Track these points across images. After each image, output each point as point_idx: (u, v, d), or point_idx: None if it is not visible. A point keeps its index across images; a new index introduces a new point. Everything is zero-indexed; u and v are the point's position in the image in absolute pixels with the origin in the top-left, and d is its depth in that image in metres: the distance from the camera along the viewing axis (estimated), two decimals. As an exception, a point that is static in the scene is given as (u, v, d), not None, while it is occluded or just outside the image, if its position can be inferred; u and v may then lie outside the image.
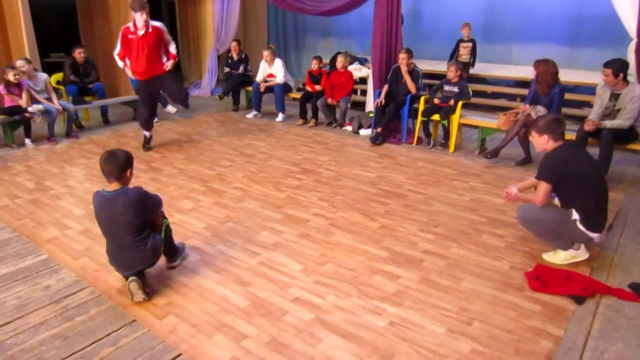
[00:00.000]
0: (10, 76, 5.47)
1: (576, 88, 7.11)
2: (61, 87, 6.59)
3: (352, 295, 2.70)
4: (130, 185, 2.72)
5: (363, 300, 2.66)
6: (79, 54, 6.58)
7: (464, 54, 7.55)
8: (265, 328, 2.43)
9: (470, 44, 7.50)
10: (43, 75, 6.00)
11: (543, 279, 2.79)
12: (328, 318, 2.51)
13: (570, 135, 4.48)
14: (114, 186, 2.63)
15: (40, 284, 2.85)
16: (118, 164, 2.59)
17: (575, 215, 2.91)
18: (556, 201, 3.08)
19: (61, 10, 9.63)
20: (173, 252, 3.00)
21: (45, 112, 5.75)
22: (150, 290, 2.71)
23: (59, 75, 6.71)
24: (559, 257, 3.05)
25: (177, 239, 3.35)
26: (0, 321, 2.51)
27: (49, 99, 5.91)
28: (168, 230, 2.90)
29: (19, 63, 5.76)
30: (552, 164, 2.90)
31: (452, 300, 2.66)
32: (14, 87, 5.57)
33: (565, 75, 6.61)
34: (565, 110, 5.60)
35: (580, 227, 2.90)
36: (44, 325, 2.48)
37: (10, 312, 2.58)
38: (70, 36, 8.87)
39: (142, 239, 2.67)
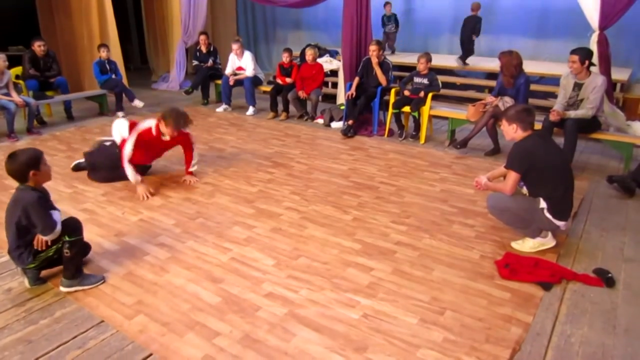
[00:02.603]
0: None
1: (542, 79, 7.30)
2: (21, 82, 6.32)
3: (326, 289, 2.69)
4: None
5: (336, 293, 2.65)
6: (38, 47, 6.31)
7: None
8: (237, 324, 2.39)
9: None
10: (8, 72, 5.76)
11: (512, 266, 2.85)
12: (301, 312, 2.49)
13: (537, 126, 4.58)
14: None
15: (1, 287, 2.73)
16: (16, 167, 2.52)
17: (542, 204, 2.98)
18: (524, 190, 3.15)
19: (19, 2, 9.20)
20: (68, 276, 2.67)
21: (3, 108, 5.50)
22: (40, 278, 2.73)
23: (18, 70, 6.42)
24: (527, 245, 3.11)
25: (146, 236, 3.29)
26: (-42, 327, 2.39)
27: (8, 95, 5.66)
28: (62, 253, 2.63)
29: (2, 57, 5.53)
30: (521, 153, 2.96)
31: (425, 291, 2.68)
32: None
33: (531, 67, 6.78)
34: (531, 101, 5.73)
35: (548, 215, 2.97)
36: (6, 330, 2.37)
37: (-30, 318, 2.46)
38: (29, 29, 8.50)
39: (15, 244, 2.61)
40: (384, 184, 4.31)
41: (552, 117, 4.50)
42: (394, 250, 3.13)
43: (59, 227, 2.57)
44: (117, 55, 7.64)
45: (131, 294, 2.66)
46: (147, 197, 3.95)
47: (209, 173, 4.56)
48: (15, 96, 5.68)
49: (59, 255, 2.66)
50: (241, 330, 2.35)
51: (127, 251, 3.11)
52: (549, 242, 3.12)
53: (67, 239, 2.61)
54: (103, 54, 6.76)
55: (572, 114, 4.47)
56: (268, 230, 3.40)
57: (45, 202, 2.60)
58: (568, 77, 4.58)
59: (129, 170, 3.93)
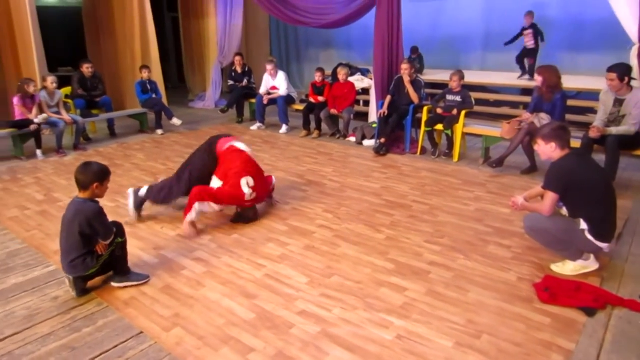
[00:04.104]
0: (31, 88, 5.59)
1: (579, 94, 7.11)
2: (69, 101, 6.68)
3: (359, 308, 2.69)
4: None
5: (369, 313, 2.64)
6: (86, 68, 6.68)
7: (528, 40, 7.58)
8: (271, 341, 2.42)
9: (531, 30, 7.50)
10: (59, 92, 6.14)
11: (552, 290, 2.76)
12: (334, 331, 2.49)
13: (575, 143, 4.46)
14: (81, 194, 2.78)
15: (48, 295, 2.86)
16: (85, 175, 2.73)
17: (583, 225, 2.89)
18: (564, 210, 3.06)
19: (68, 26, 9.77)
20: (120, 273, 2.94)
21: (53, 125, 5.83)
22: (85, 289, 2.88)
23: (67, 90, 6.80)
24: (567, 268, 3.02)
25: (184, 251, 3.38)
26: (9, 331, 2.52)
27: (58, 113, 6.01)
28: (114, 254, 2.87)
29: (51, 79, 5.96)
30: (559, 173, 2.88)
31: (460, 313, 2.64)
32: (29, 100, 5.67)
33: (567, 82, 6.63)
34: (568, 117, 5.61)
35: (589, 237, 2.87)
36: (52, 336, 2.48)
37: (20, 323, 2.60)
38: (77, 51, 8.99)
39: (78, 253, 2.75)
40: (417, 203, 4.28)
41: (592, 133, 4.37)
42: (428, 271, 3.09)
43: (114, 230, 2.83)
44: (157, 75, 7.98)
45: (169, 306, 2.73)
46: (191, 238, 3.62)
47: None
48: (64, 115, 6.04)
49: (110, 259, 2.86)
50: (274, 347, 2.37)
51: (165, 265, 3.21)
52: (591, 265, 3.01)
53: (119, 240, 2.87)
54: (144, 74, 7.08)
55: (614, 130, 4.34)
56: (301, 248, 3.43)
57: (104, 211, 2.80)
58: (608, 92, 4.46)
59: (202, 208, 3.61)
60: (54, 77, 6.03)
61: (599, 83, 5.89)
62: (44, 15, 7.43)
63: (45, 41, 6.93)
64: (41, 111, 5.81)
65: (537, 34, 7.50)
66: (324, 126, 6.94)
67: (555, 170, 2.90)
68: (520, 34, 7.67)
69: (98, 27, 8.65)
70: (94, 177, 2.73)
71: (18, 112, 5.66)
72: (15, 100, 5.64)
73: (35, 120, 5.62)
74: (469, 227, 3.76)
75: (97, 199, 2.82)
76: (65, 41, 9.94)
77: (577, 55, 7.97)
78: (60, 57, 9.52)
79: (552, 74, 4.72)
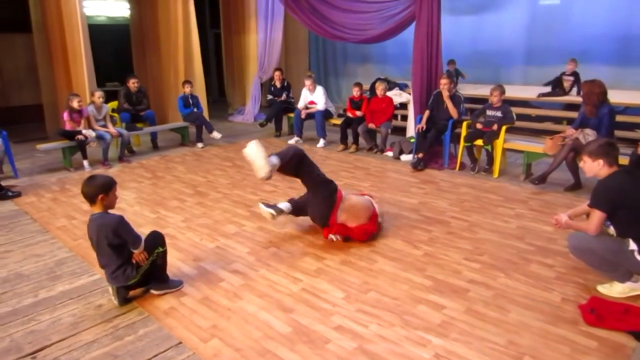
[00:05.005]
0: (75, 103, 5.91)
1: (627, 109, 6.83)
2: (115, 115, 6.99)
3: (396, 325, 2.65)
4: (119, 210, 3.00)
5: (407, 331, 2.60)
6: (133, 83, 6.99)
7: (567, 86, 7.63)
8: (307, 356, 2.42)
9: (572, 78, 7.55)
10: (106, 107, 6.45)
11: (599, 312, 2.64)
12: (371, 348, 2.47)
13: (623, 160, 4.29)
14: (94, 209, 2.83)
15: (93, 303, 2.97)
16: (90, 188, 2.77)
17: (632, 246, 2.75)
18: (611, 230, 2.94)
19: (116, 43, 10.28)
20: (159, 281, 3.04)
21: (100, 138, 6.12)
22: (127, 298, 2.96)
23: (113, 104, 7.13)
24: (615, 290, 2.88)
25: (222, 263, 3.45)
26: (56, 337, 2.63)
27: (105, 126, 6.30)
28: (155, 263, 2.96)
29: (98, 94, 6.29)
30: (607, 191, 2.77)
31: (500, 333, 2.56)
32: (76, 114, 5.99)
33: (615, 96, 6.39)
34: (616, 132, 5.38)
35: (639, 258, 2.74)
36: (96, 344, 2.57)
37: (65, 329, 2.70)
38: (124, 67, 9.43)
39: (116, 265, 2.83)
40: (456, 219, 4.20)
41: (642, 150, 4.19)
42: (467, 289, 3.02)
43: (143, 239, 2.91)
44: (201, 90, 8.26)
45: (207, 317, 2.78)
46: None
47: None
48: (111, 128, 6.33)
49: (151, 268, 2.96)
50: (311, 362, 2.37)
51: (204, 276, 3.28)
52: (641, 287, 2.86)
53: (160, 249, 2.97)
54: (187, 89, 7.34)
55: (665, 147, 4.14)
56: (338, 263, 3.43)
57: (126, 220, 2.88)
58: (660, 108, 4.27)
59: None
60: (101, 92, 6.34)
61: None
62: (94, 33, 7.83)
63: (94, 57, 7.30)
64: (89, 125, 6.12)
65: (576, 83, 7.41)
66: (361, 140, 6.95)
67: (602, 188, 2.79)
68: (559, 79, 7.61)
69: (144, 43, 9.04)
70: (98, 189, 2.76)
71: (68, 127, 5.98)
72: (65, 115, 5.98)
73: (83, 131, 5.91)
74: (510, 244, 3.66)
75: (110, 211, 2.87)
76: (113, 57, 10.44)
77: (624, 69, 7.68)
78: (108, 72, 10.00)
79: (592, 89, 4.57)
